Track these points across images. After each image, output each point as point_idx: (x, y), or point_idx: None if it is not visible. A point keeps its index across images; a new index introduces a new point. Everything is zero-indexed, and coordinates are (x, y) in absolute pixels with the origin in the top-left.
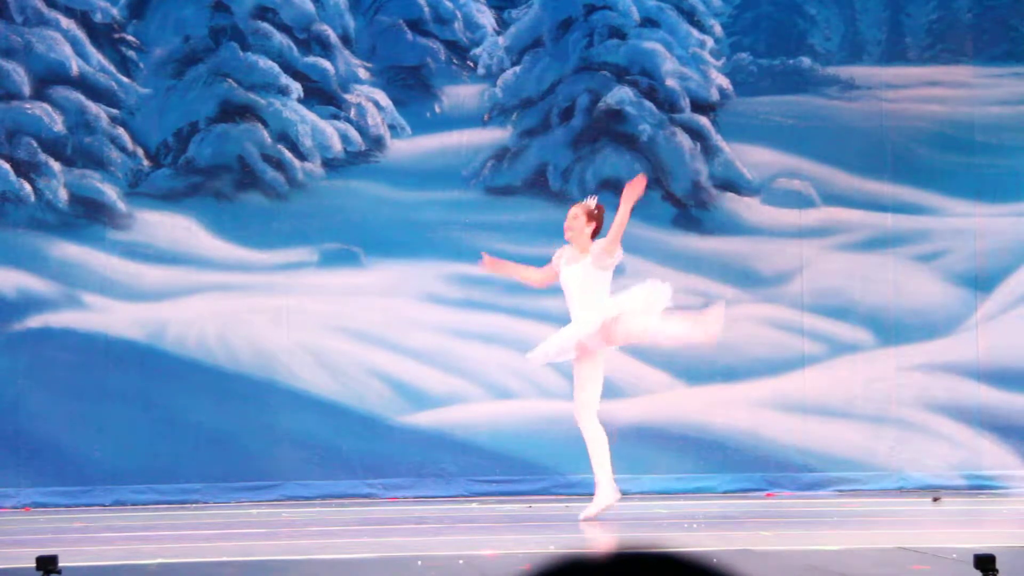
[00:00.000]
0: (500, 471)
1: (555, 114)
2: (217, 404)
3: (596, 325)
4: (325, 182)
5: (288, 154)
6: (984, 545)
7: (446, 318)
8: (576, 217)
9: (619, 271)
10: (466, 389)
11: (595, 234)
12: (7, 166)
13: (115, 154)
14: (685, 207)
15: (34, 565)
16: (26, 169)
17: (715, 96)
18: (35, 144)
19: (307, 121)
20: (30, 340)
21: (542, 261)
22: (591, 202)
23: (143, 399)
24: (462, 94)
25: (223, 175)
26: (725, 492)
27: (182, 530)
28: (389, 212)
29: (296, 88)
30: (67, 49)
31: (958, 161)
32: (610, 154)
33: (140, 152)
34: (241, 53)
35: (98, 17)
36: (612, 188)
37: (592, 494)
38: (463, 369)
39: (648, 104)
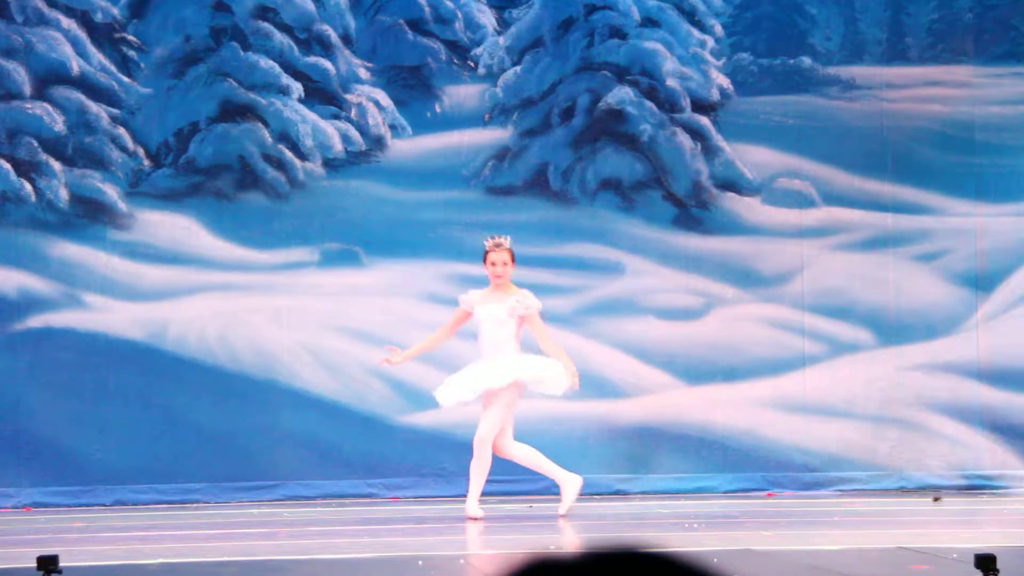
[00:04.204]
0: (500, 471)
1: (556, 114)
2: (217, 404)
3: (505, 383)
4: (326, 182)
5: (289, 154)
6: (984, 545)
7: (446, 318)
8: (506, 264)
9: (619, 271)
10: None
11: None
12: (8, 166)
13: (116, 154)
14: (686, 207)
15: (35, 565)
16: (27, 169)
17: (716, 96)
18: (36, 144)
19: (308, 121)
20: (31, 340)
21: (542, 260)
22: (506, 241)
23: (143, 399)
24: (463, 94)
25: (224, 175)
26: (725, 492)
27: (183, 530)
28: (389, 212)
29: (297, 88)
30: (68, 49)
31: (959, 161)
32: (611, 154)
33: (141, 152)
34: (242, 53)
35: (99, 17)
36: (612, 188)
37: (591, 493)
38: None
39: (649, 104)
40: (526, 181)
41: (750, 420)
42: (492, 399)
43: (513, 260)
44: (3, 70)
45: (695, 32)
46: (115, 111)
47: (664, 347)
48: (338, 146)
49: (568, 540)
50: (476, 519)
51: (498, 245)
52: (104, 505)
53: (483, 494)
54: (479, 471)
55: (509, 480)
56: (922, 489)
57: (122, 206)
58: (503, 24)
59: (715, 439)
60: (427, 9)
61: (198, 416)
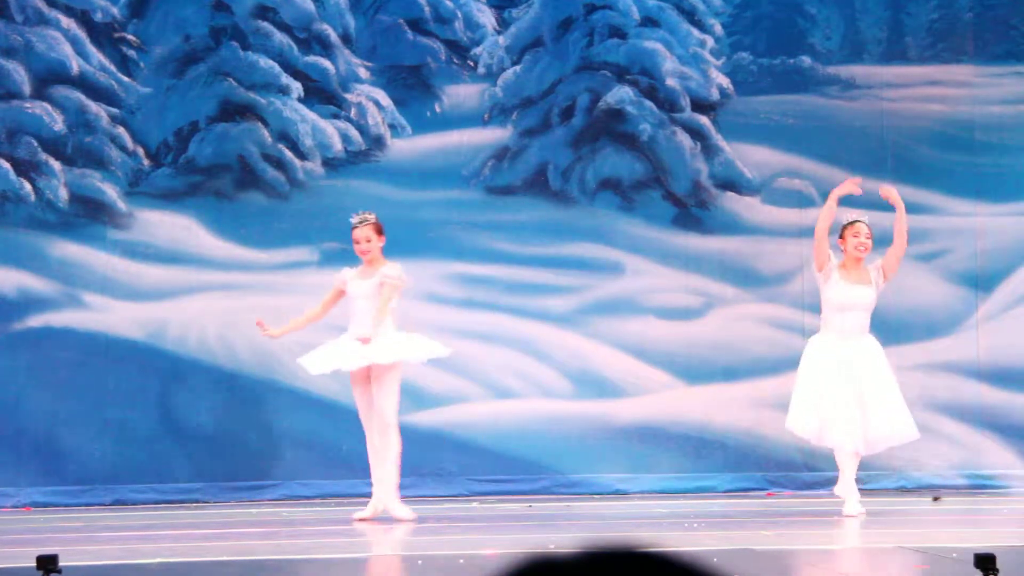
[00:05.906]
0: (500, 471)
1: (555, 113)
2: (217, 404)
3: (390, 360)
4: (325, 182)
5: (288, 153)
6: (984, 545)
7: (446, 318)
8: (369, 240)
9: (619, 271)
10: (466, 389)
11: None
12: (7, 165)
13: (115, 153)
14: (685, 206)
15: (34, 564)
16: (26, 168)
17: (715, 95)
18: (35, 143)
19: (307, 120)
20: (31, 339)
21: (542, 260)
22: (371, 216)
23: (143, 399)
24: (462, 94)
25: (223, 174)
26: (726, 491)
27: (182, 529)
28: (389, 212)
29: (296, 87)
30: (67, 48)
31: (958, 160)
32: (610, 154)
33: (140, 151)
34: (241, 52)
35: (98, 16)
36: (612, 188)
37: (591, 493)
38: (463, 369)
39: (648, 103)
40: (526, 181)
41: (750, 420)
42: (378, 378)
43: (380, 233)
44: (3, 70)
45: (695, 32)
46: (115, 111)
47: (664, 347)
48: (338, 146)
49: (569, 540)
50: (409, 520)
51: (363, 221)
52: (104, 505)
53: (482, 494)
54: (393, 458)
55: (509, 480)
56: (922, 489)
57: (122, 206)
58: (503, 24)
59: (715, 439)
60: (427, 9)
61: (198, 416)
